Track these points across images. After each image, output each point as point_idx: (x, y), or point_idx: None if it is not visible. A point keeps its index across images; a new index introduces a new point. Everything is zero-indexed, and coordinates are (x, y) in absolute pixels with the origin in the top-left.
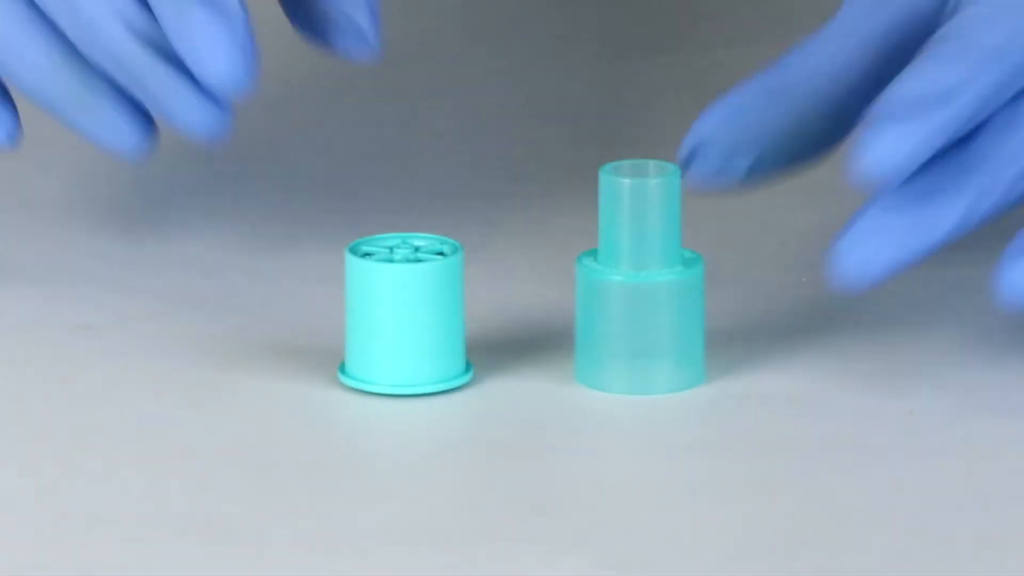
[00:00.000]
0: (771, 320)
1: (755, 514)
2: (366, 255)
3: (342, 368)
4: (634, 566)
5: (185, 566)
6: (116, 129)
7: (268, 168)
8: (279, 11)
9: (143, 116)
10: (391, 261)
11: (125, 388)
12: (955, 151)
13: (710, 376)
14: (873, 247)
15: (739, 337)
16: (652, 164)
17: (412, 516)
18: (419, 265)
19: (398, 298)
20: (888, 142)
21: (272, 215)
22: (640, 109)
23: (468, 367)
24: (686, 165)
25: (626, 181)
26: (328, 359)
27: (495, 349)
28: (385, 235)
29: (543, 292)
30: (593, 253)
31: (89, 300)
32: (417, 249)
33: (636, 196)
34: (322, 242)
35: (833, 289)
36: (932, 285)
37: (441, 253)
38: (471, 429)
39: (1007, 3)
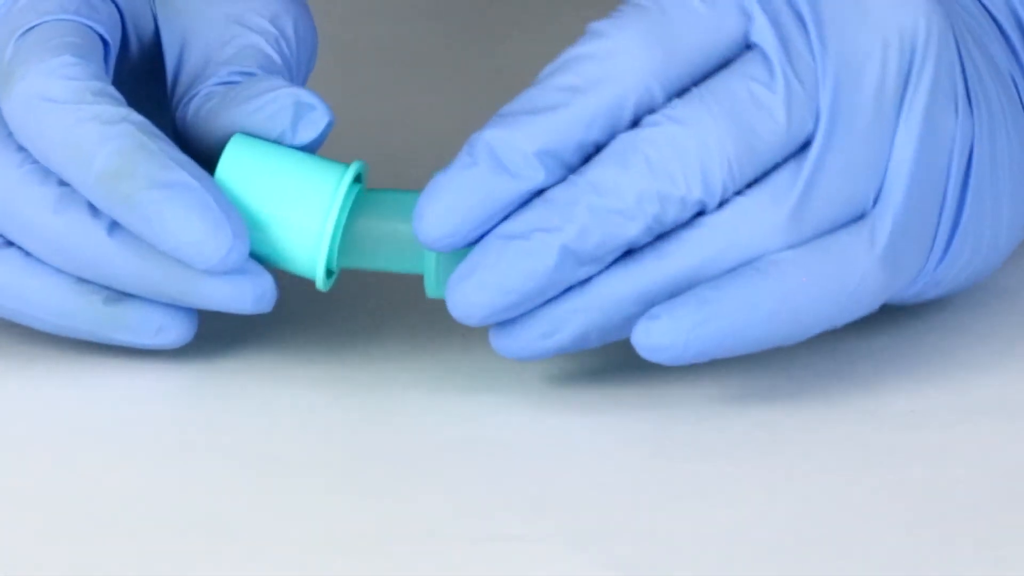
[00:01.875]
0: None
1: (755, 514)
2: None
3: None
4: (634, 566)
5: (185, 566)
6: (160, 333)
7: None
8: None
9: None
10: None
11: (124, 387)
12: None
13: (711, 376)
14: (475, 284)
15: None
16: None
17: (412, 516)
18: (230, 147)
19: (250, 173)
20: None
21: None
22: None
23: (343, 167)
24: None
25: None
26: (329, 359)
27: (492, 348)
28: None
29: None
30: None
31: None
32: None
33: None
34: None
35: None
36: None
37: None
38: (471, 429)
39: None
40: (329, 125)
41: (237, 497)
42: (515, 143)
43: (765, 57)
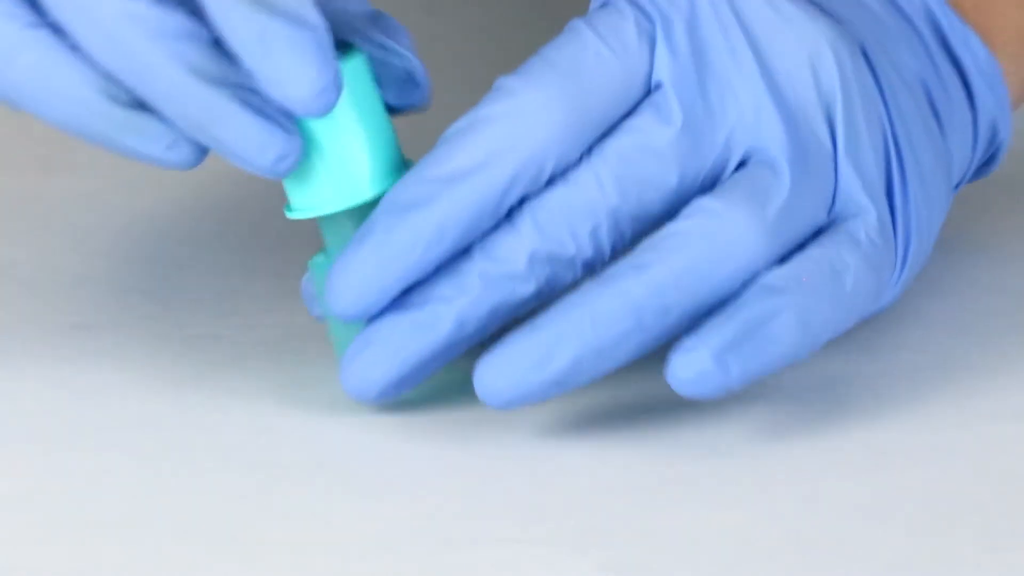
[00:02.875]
0: None
1: (755, 514)
2: None
3: (287, 207)
4: (634, 567)
5: (184, 566)
6: (172, 147)
7: None
8: None
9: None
10: None
11: (122, 388)
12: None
13: None
14: (369, 358)
15: None
16: None
17: (412, 519)
18: None
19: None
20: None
21: (271, 215)
22: None
23: (408, 162)
24: None
25: None
26: (328, 360)
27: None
28: None
29: None
30: (323, 252)
31: (86, 300)
32: None
33: None
34: (322, 242)
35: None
36: (933, 287)
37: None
38: (470, 431)
39: None
40: (421, 108)
41: (236, 498)
42: (428, 219)
43: (664, 104)
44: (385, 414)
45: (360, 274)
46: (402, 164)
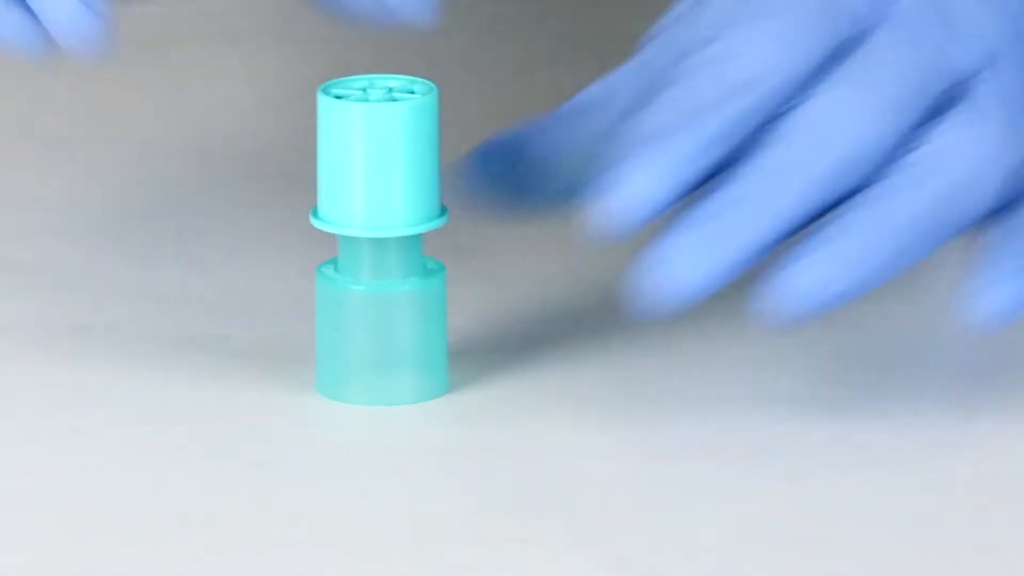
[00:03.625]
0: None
1: (755, 514)
2: (338, 97)
3: (315, 212)
4: (634, 566)
5: (184, 566)
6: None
7: (267, 167)
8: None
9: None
10: (366, 101)
11: (122, 389)
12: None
13: (710, 378)
14: (692, 255)
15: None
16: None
17: (411, 517)
18: (395, 104)
19: (374, 138)
20: (636, 182)
21: (271, 214)
22: None
23: (444, 210)
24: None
25: None
26: None
27: (491, 347)
28: (354, 76)
29: (540, 292)
30: (334, 262)
31: (87, 301)
32: (390, 90)
33: None
34: (323, 240)
35: (647, 307)
36: (932, 284)
37: (414, 92)
38: (467, 430)
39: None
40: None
41: (236, 497)
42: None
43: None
44: (386, 414)
45: (641, 183)
46: (438, 207)
